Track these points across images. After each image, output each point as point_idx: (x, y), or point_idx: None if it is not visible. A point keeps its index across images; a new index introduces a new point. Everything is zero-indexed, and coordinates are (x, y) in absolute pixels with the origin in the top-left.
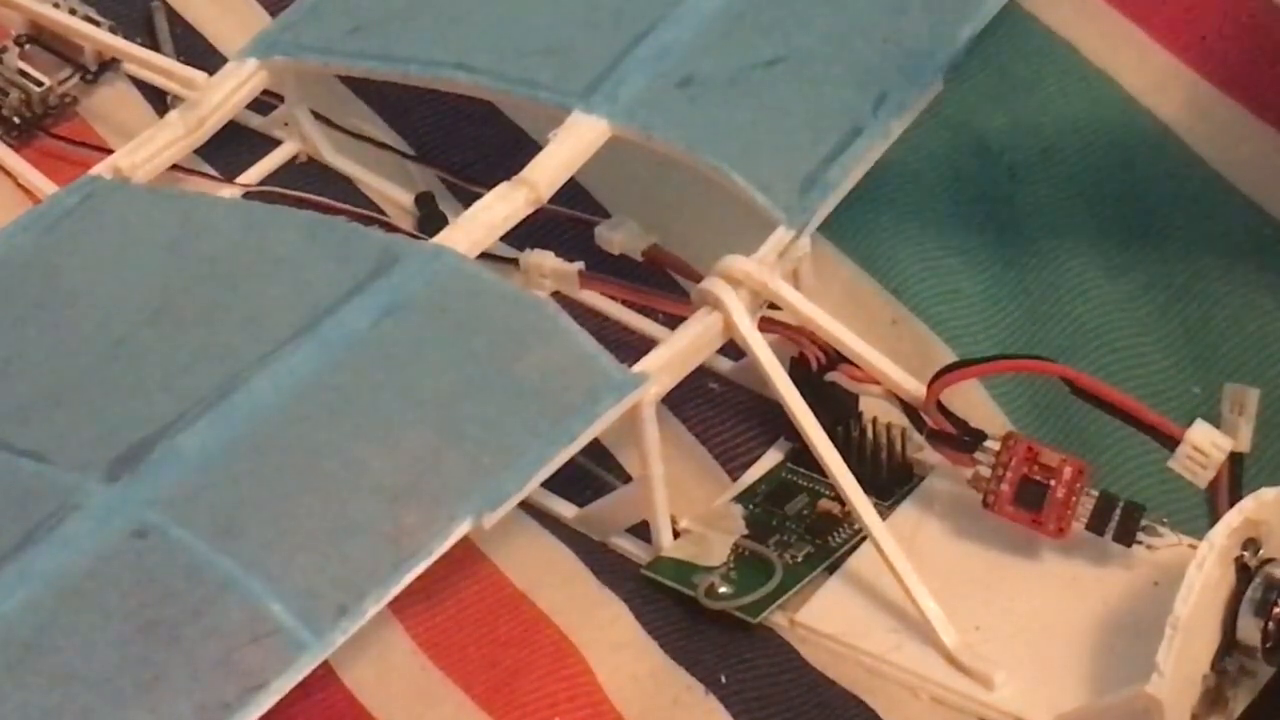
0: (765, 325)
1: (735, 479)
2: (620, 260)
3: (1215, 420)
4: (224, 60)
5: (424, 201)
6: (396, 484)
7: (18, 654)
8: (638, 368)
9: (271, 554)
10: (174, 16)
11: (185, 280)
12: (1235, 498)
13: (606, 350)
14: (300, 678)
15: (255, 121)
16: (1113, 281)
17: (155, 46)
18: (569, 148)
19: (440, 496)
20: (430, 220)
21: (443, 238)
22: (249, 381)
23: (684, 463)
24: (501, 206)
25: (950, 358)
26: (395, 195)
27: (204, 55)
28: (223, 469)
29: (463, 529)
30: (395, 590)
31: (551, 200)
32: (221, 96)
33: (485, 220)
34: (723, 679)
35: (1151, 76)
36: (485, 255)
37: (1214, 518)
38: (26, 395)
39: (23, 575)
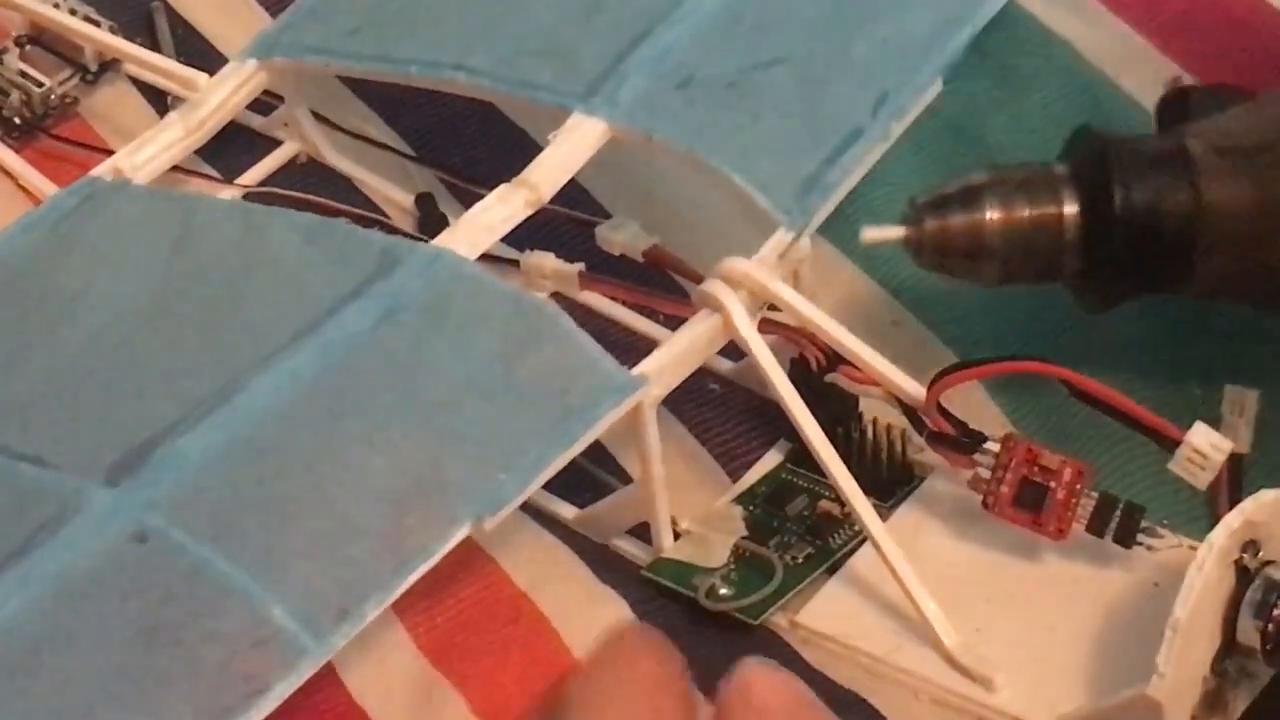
0: (765, 326)
1: (735, 480)
2: (620, 261)
3: (1214, 421)
4: (224, 60)
5: (424, 202)
6: (397, 486)
7: (19, 659)
8: (638, 370)
9: (272, 557)
10: (174, 17)
11: (185, 282)
12: (1235, 499)
13: (607, 351)
14: (301, 681)
15: (256, 122)
16: None
17: (155, 46)
18: (569, 149)
19: (441, 499)
20: (430, 221)
21: (442, 240)
22: (249, 384)
23: (683, 464)
24: (502, 208)
25: (950, 359)
26: (395, 196)
27: (204, 55)
28: (223, 472)
29: (463, 531)
30: (396, 593)
31: (551, 201)
32: (221, 98)
33: (485, 222)
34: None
35: (1149, 78)
36: (485, 256)
37: (1213, 519)
38: (26, 398)
39: (23, 580)
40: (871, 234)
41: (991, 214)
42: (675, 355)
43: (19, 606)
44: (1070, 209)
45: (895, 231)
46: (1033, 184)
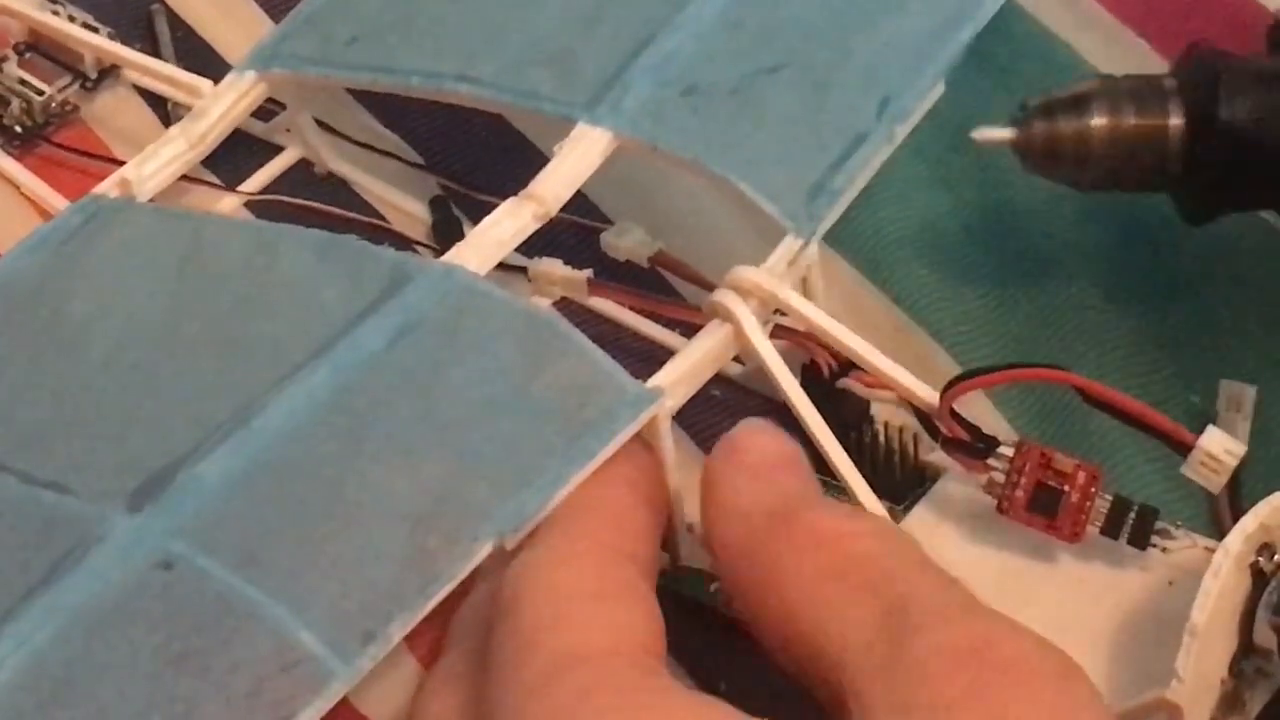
0: (777, 332)
1: None
2: (624, 266)
3: (1211, 419)
4: (225, 62)
5: (438, 206)
6: (417, 507)
7: (50, 689)
8: (652, 382)
9: (297, 581)
10: (174, 19)
11: (196, 304)
12: (1234, 498)
13: (619, 359)
14: (329, 706)
15: (257, 128)
16: (1111, 287)
17: (155, 49)
18: (574, 161)
19: (462, 518)
20: (445, 225)
21: (452, 256)
22: (267, 407)
23: (686, 471)
24: (510, 223)
25: (952, 366)
26: (400, 202)
27: (205, 57)
28: (244, 497)
29: (485, 550)
30: (420, 614)
31: None
32: (221, 111)
33: (494, 237)
34: (722, 686)
35: None
36: None
37: (1215, 519)
38: (42, 423)
39: (51, 610)
40: (982, 134)
41: (1099, 120)
42: (689, 367)
43: (47, 637)
44: (1176, 120)
45: (1004, 133)
46: (1141, 94)
